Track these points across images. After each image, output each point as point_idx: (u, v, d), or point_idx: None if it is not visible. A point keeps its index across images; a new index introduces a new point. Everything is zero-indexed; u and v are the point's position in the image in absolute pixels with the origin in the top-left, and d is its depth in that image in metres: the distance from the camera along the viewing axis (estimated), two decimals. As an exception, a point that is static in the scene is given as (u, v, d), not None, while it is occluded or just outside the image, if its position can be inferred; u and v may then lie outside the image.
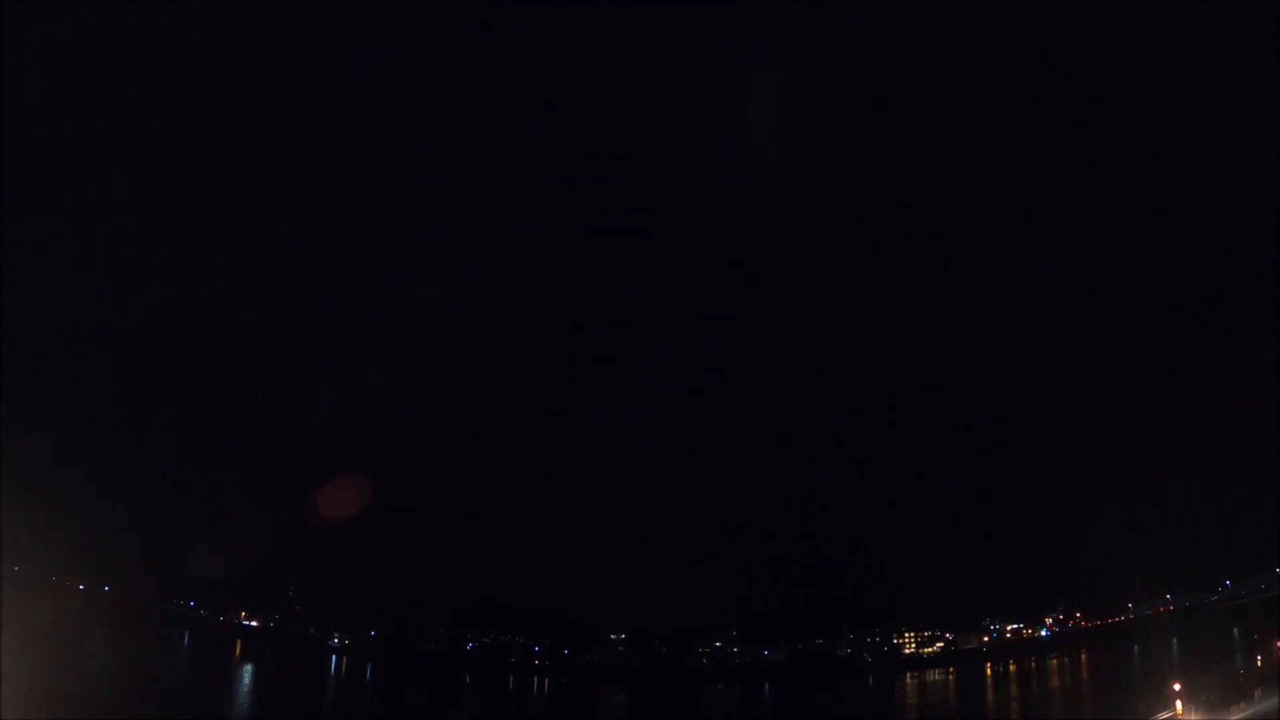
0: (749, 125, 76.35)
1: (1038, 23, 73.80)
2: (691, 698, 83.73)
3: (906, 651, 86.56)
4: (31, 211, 73.04)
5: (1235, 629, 77.46)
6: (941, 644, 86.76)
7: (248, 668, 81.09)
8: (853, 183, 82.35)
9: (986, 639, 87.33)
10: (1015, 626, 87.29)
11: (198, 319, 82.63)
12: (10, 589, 63.56)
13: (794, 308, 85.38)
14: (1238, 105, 72.41)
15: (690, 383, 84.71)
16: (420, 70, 77.88)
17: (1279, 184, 70.05)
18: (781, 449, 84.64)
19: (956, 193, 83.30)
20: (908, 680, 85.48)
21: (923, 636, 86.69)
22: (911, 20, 75.50)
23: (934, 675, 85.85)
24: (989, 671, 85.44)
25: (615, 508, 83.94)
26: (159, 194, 79.50)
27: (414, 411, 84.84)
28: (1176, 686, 55.18)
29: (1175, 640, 78.74)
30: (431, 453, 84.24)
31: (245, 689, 76.37)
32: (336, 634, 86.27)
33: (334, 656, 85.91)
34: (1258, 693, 56.96)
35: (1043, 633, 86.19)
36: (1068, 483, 79.59)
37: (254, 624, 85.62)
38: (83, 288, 76.51)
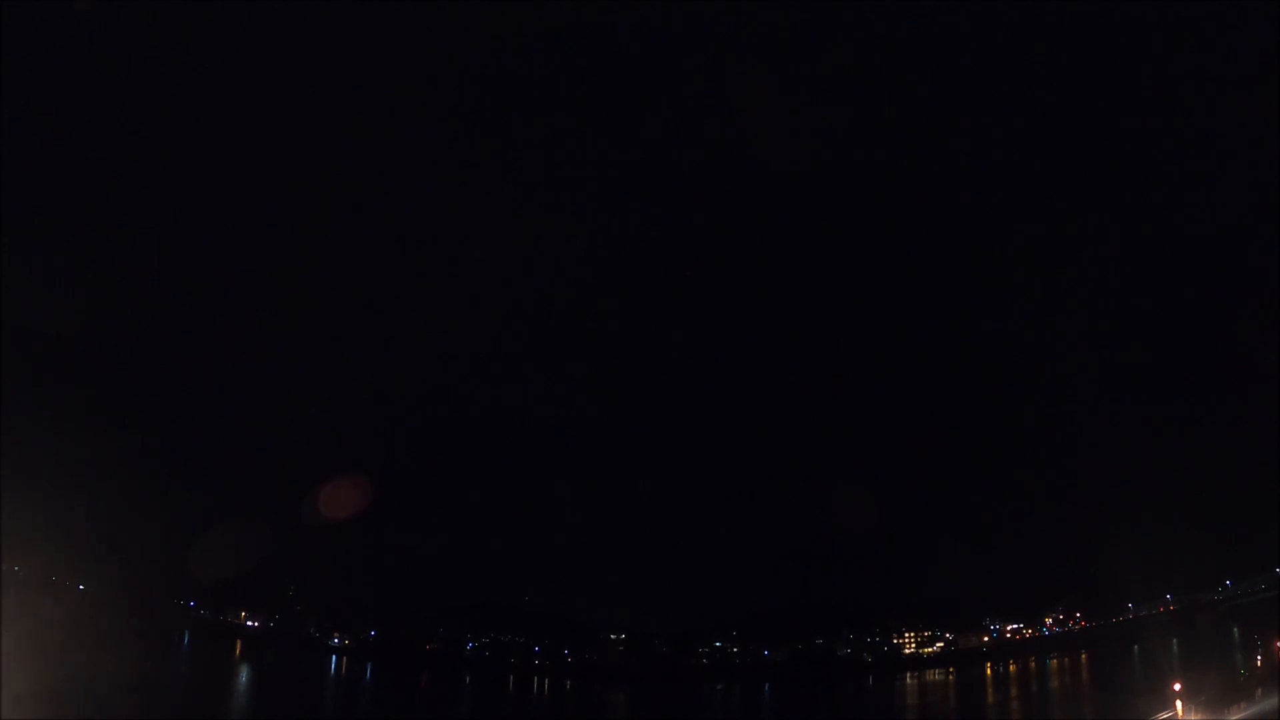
0: (749, 126, 76.30)
1: (1039, 23, 73.78)
2: (691, 698, 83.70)
3: (906, 651, 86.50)
4: (31, 211, 73.03)
5: (1235, 629, 77.45)
6: (941, 644, 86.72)
7: (247, 667, 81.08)
8: (855, 182, 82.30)
9: (986, 639, 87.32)
10: (1015, 626, 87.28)
11: (199, 320, 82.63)
12: (10, 589, 63.63)
13: (795, 307, 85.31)
14: (1238, 105, 72.39)
15: (689, 382, 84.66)
16: (419, 81, 77.86)
17: (1279, 184, 69.98)
18: (781, 448, 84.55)
19: (957, 192, 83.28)
20: (908, 680, 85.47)
21: (923, 636, 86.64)
22: (914, 22, 75.49)
23: (934, 675, 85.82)
24: (989, 671, 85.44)
25: (615, 508, 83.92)
26: (160, 194, 79.50)
27: (415, 411, 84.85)
28: (1176, 686, 55.22)
29: (1175, 640, 78.77)
30: (432, 452, 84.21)
31: (245, 689, 76.38)
32: (336, 634, 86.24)
33: (334, 656, 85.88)
34: (1258, 693, 56.99)
35: (1045, 632, 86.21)
36: (1068, 483, 79.59)
37: (254, 624, 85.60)
38: (83, 288, 76.46)
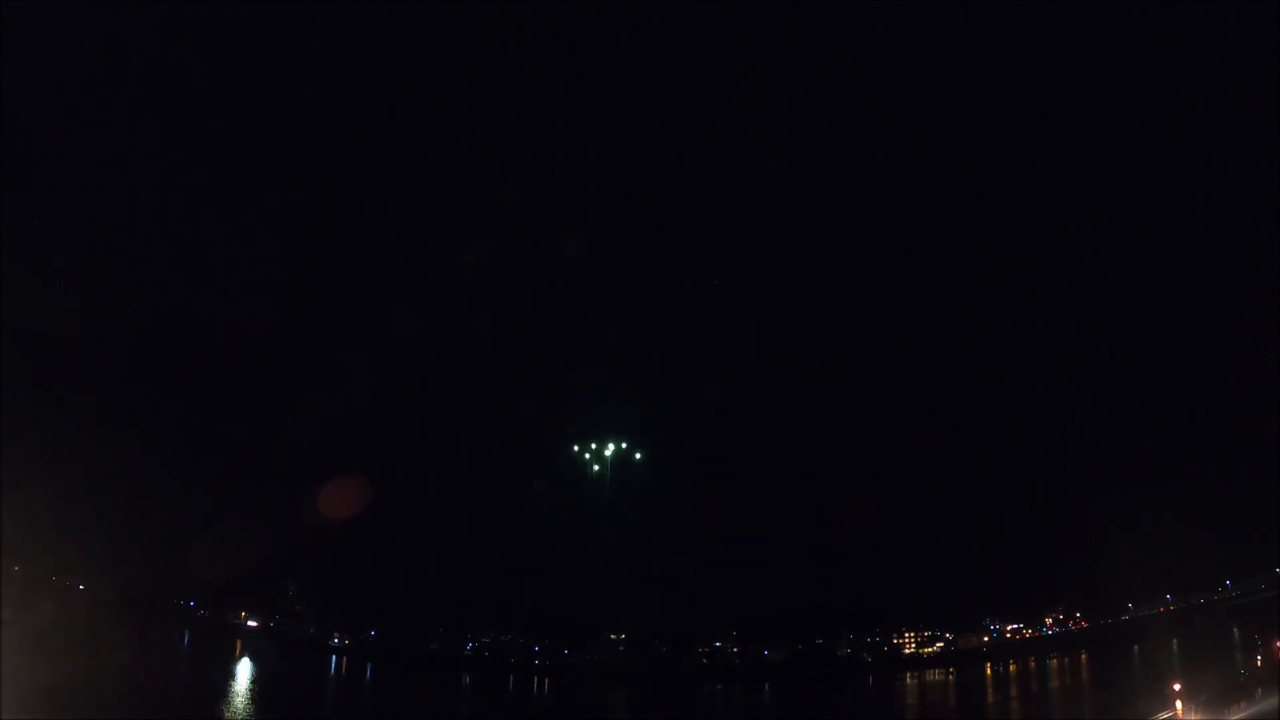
0: (749, 126, 76.28)
1: (1039, 23, 73.73)
2: (691, 698, 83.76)
3: (906, 651, 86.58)
4: (31, 211, 73.04)
5: (1235, 629, 77.53)
6: (941, 644, 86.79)
7: (247, 667, 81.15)
8: (855, 182, 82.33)
9: (986, 639, 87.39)
10: (1015, 626, 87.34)
11: (199, 319, 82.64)
12: (10, 589, 63.67)
13: (794, 307, 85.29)
14: (1238, 105, 72.35)
15: (688, 381, 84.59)
16: (419, 81, 77.86)
17: (1279, 184, 69.97)
18: (781, 448, 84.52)
19: (957, 192, 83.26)
20: (908, 680, 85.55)
21: (923, 636, 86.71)
22: (914, 22, 75.42)
23: (934, 675, 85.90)
24: (989, 671, 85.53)
25: (615, 507, 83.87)
26: (160, 194, 79.54)
27: (415, 411, 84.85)
28: (1176, 686, 55.30)
29: (1175, 640, 78.84)
30: (432, 452, 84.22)
31: (244, 688, 76.43)
32: (336, 634, 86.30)
33: (334, 656, 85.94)
34: (1258, 693, 57.07)
35: (1045, 632, 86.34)
36: (1068, 483, 79.54)
37: (254, 624, 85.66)
38: (83, 288, 76.44)
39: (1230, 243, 76.44)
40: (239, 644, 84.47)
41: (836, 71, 75.92)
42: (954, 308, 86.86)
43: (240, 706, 71.63)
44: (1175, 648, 77.55)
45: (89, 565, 77.05)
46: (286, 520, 75.22)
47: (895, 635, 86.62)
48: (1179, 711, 52.67)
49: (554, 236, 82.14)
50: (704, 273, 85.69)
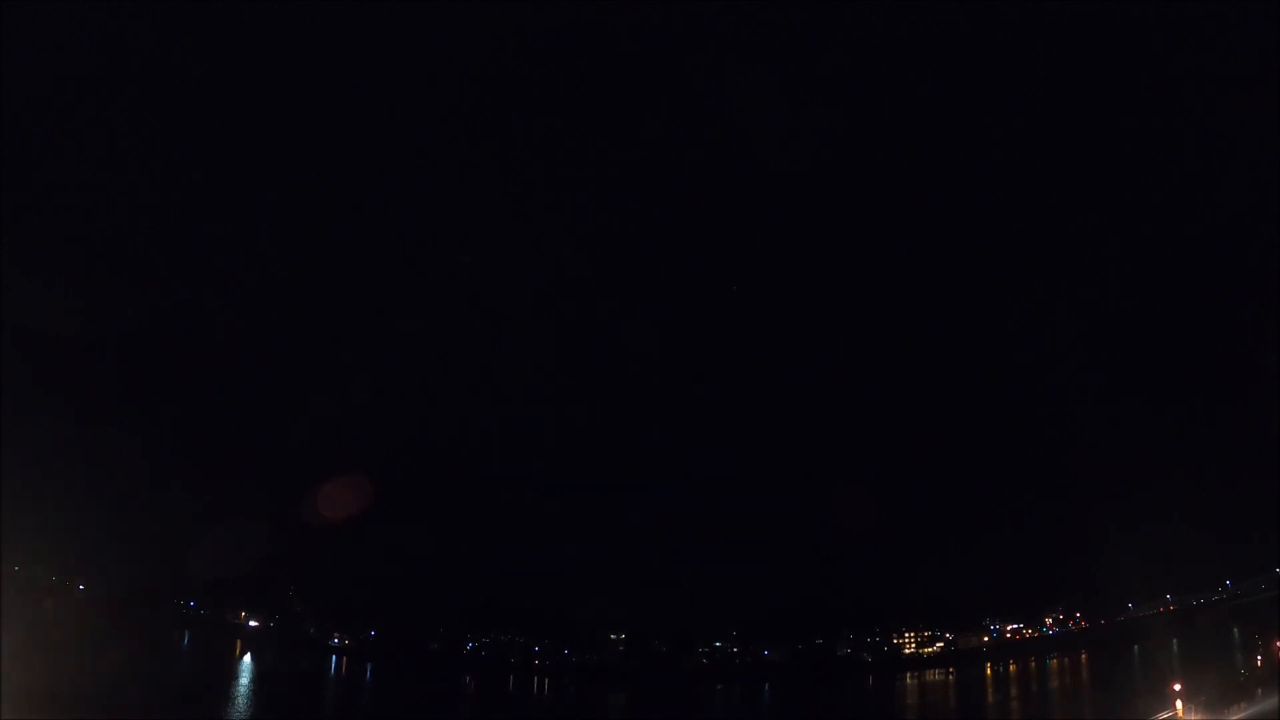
0: (750, 126, 76.29)
1: (1039, 23, 73.78)
2: (691, 698, 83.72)
3: (906, 651, 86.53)
4: (32, 211, 73.10)
5: (1235, 629, 77.48)
6: (941, 644, 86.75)
7: (247, 667, 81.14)
8: (855, 182, 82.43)
9: (986, 639, 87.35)
10: (1015, 626, 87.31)
11: (199, 319, 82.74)
12: (10, 589, 63.71)
13: (793, 306, 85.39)
14: (1238, 105, 72.40)
15: (689, 381, 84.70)
16: (419, 81, 77.95)
17: (1279, 184, 70.02)
18: (781, 448, 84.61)
19: (957, 192, 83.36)
20: (908, 680, 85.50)
21: (923, 636, 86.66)
22: (914, 22, 75.45)
23: (934, 675, 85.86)
24: (989, 671, 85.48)
25: (615, 508, 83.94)
26: (160, 194, 79.62)
27: (415, 411, 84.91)
28: (1176, 686, 55.30)
29: (1175, 640, 78.81)
30: (432, 452, 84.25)
31: (245, 688, 76.40)
32: (336, 634, 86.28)
33: (334, 656, 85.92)
34: (1258, 693, 57.05)
35: (1045, 631, 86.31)
36: (1068, 482, 79.61)
37: (254, 624, 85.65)
38: (83, 288, 76.50)
39: (1230, 243, 76.54)
40: (239, 644, 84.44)
41: (836, 71, 76.00)
42: (954, 308, 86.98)
43: (240, 706, 71.59)
44: (1175, 648, 77.52)
45: (89, 565, 77.11)
46: (286, 520, 75.31)
47: (895, 635, 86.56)
48: (1179, 711, 52.67)
49: (554, 236, 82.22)
50: (704, 272, 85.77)
